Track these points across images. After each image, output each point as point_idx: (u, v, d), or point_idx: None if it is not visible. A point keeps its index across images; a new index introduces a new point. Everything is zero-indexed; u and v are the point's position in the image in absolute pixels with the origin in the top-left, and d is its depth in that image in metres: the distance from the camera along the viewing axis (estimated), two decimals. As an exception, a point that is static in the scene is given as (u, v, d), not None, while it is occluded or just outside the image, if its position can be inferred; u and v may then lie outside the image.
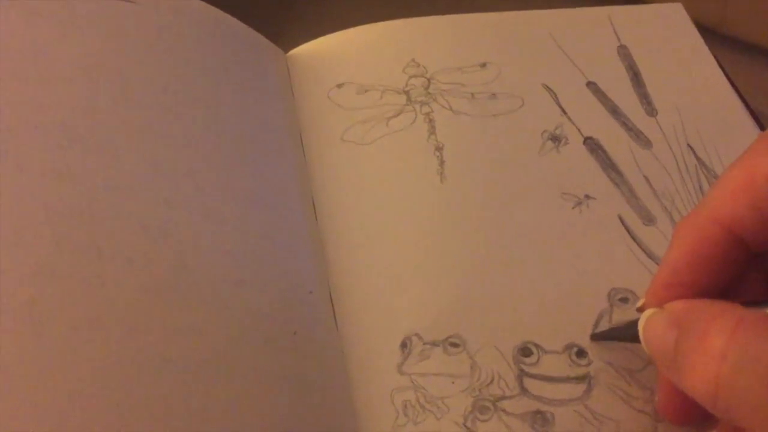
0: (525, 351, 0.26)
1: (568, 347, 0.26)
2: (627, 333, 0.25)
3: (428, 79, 0.35)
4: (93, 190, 0.26)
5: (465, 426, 0.25)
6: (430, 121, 0.34)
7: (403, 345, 0.27)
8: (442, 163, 0.32)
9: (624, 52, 0.37)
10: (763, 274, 0.23)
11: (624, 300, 0.28)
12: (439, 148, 0.33)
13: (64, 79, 0.28)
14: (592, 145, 0.33)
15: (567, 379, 0.26)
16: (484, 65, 0.36)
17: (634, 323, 0.23)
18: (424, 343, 0.27)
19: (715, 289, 0.22)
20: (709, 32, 0.37)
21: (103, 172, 0.27)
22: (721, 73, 0.35)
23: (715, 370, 0.18)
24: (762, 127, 0.33)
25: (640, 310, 0.23)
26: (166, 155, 0.29)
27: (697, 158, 0.32)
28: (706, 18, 0.36)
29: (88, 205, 0.25)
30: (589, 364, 0.26)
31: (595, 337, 0.27)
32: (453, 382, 0.26)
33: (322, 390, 0.26)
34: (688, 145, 0.33)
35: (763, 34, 0.38)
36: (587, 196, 0.31)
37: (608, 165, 0.32)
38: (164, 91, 0.31)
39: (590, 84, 0.35)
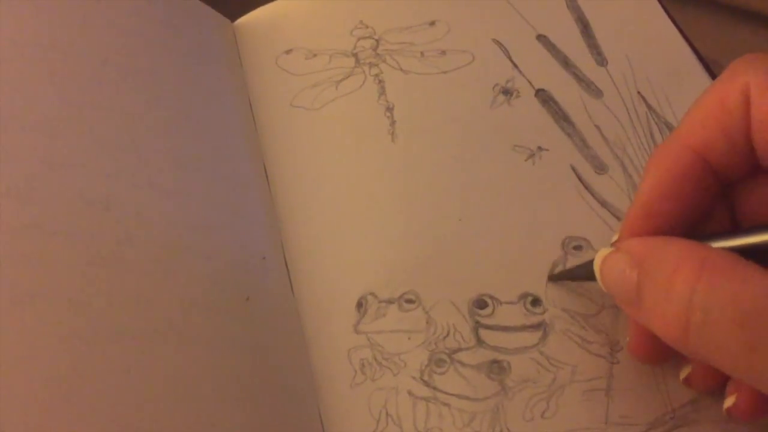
0: (480, 303, 0.26)
1: (523, 297, 0.26)
2: (583, 272, 0.25)
3: (377, 40, 0.35)
4: (31, 166, 0.25)
5: (422, 380, 0.25)
6: (380, 81, 0.33)
7: (359, 305, 0.27)
8: (392, 123, 0.32)
9: (573, 5, 0.36)
10: (728, 210, 0.23)
11: (578, 248, 0.28)
12: (389, 109, 0.32)
13: (-5, 54, 0.27)
14: (543, 96, 0.33)
15: (522, 328, 0.26)
16: (432, 23, 0.35)
17: (590, 263, 0.23)
18: (379, 302, 0.27)
19: (687, 222, 0.22)
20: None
21: (41, 148, 0.26)
22: (669, 20, 0.35)
23: (684, 318, 0.18)
24: (710, 72, 0.33)
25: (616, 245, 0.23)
26: (107, 129, 0.28)
27: (648, 106, 0.32)
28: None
29: (26, 182, 0.25)
30: (544, 312, 0.26)
31: (553, 278, 0.27)
32: (409, 338, 0.26)
33: (278, 353, 0.25)
34: (639, 93, 0.33)
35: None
36: (540, 148, 0.31)
37: (560, 116, 0.32)
38: (103, 64, 0.30)
39: (540, 37, 0.35)
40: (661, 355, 0.24)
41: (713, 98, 0.21)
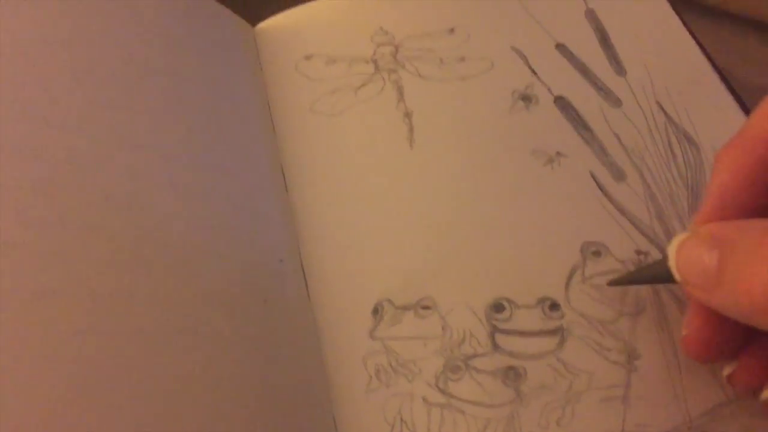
0: (497, 307, 0.26)
1: (541, 301, 0.26)
2: (649, 273, 0.24)
3: (396, 47, 0.35)
4: (55, 164, 0.25)
5: (437, 386, 0.25)
6: (399, 88, 0.33)
7: (375, 311, 0.27)
8: (411, 129, 0.32)
9: (592, 16, 0.36)
10: None
11: (597, 253, 0.27)
12: (407, 115, 0.32)
13: (22, 53, 0.27)
14: (562, 104, 0.33)
15: (540, 333, 0.26)
16: (452, 30, 0.35)
17: (655, 264, 0.23)
18: (395, 308, 0.27)
19: (758, 215, 0.21)
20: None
21: (65, 146, 0.26)
22: (686, 32, 0.35)
23: None
24: (727, 83, 0.33)
25: None
26: (130, 128, 0.28)
27: (666, 115, 0.32)
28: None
29: (50, 178, 0.25)
30: (562, 317, 0.26)
31: (614, 283, 0.26)
32: (425, 344, 0.26)
33: (294, 357, 0.25)
34: (657, 102, 0.32)
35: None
36: (558, 153, 0.31)
37: (579, 123, 0.32)
38: (126, 65, 0.30)
39: (559, 46, 0.35)
40: (717, 349, 0.23)
41: None
